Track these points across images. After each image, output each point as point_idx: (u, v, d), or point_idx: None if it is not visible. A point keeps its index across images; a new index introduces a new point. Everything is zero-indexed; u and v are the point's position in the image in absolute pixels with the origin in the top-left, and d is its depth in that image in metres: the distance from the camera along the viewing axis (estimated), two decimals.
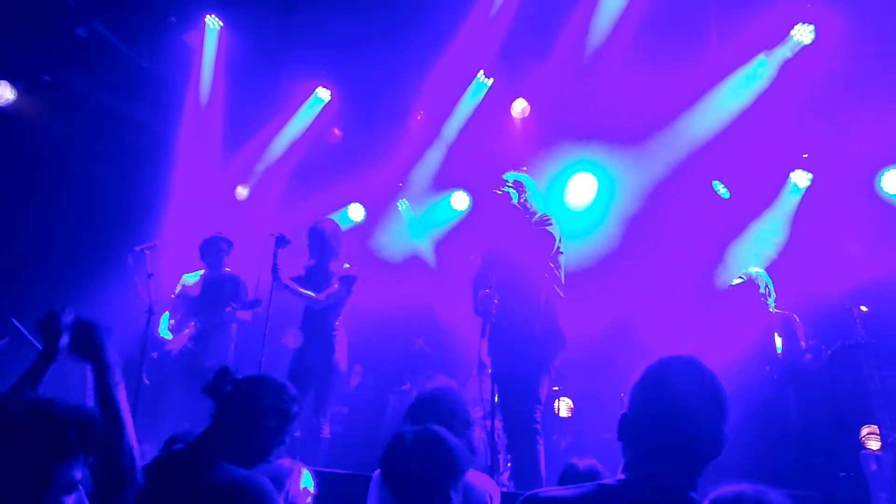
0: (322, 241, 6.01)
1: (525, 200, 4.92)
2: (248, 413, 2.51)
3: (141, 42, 7.63)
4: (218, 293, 6.37)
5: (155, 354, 6.26)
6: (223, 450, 2.43)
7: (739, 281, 5.93)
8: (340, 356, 5.85)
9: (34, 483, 1.71)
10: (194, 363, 6.10)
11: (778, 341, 5.70)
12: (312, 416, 5.79)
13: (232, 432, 2.48)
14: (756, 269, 6.01)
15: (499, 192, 4.83)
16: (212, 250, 6.53)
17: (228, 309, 6.14)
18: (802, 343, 5.71)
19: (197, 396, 2.63)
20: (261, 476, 2.42)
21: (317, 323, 5.86)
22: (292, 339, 5.82)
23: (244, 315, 6.28)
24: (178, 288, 6.61)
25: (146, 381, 5.79)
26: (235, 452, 2.45)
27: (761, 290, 5.80)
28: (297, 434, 5.59)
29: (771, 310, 5.81)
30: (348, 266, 5.98)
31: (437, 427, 2.50)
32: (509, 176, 5.06)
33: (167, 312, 6.58)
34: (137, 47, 7.63)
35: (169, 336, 6.39)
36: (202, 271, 6.59)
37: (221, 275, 6.53)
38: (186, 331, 6.38)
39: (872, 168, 6.88)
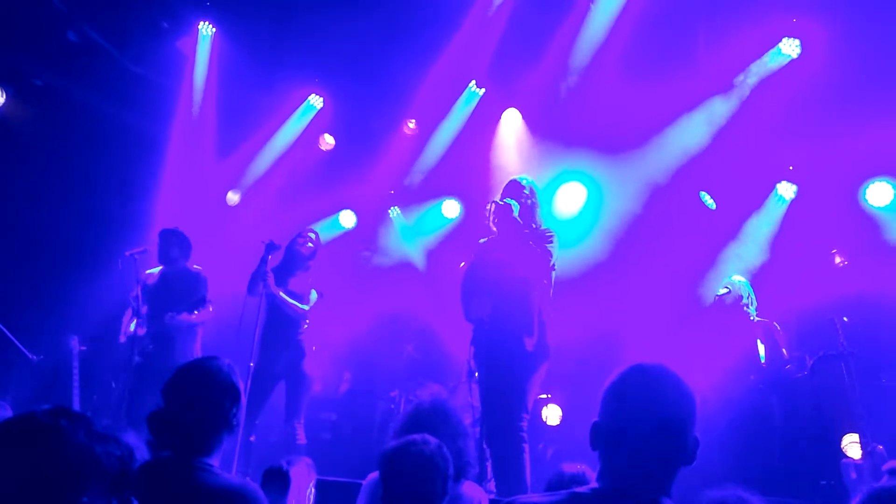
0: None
1: (533, 212, 4.92)
2: (198, 401, 2.44)
3: (133, 48, 7.59)
4: (174, 292, 6.07)
5: (137, 359, 5.97)
6: (196, 449, 2.39)
7: (724, 291, 6.03)
8: (309, 361, 5.90)
9: (90, 488, 1.76)
10: (158, 365, 5.77)
11: (761, 349, 5.80)
12: (286, 422, 5.81)
13: (190, 424, 2.41)
14: (739, 279, 6.11)
15: (501, 203, 4.82)
16: (161, 245, 6.20)
17: (168, 316, 5.89)
18: (784, 350, 5.84)
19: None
20: (254, 483, 2.44)
21: (283, 328, 5.89)
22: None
23: (191, 318, 6.00)
24: (140, 283, 6.25)
25: (113, 385, 5.70)
26: (205, 446, 2.41)
27: (744, 301, 5.91)
28: (252, 439, 5.59)
29: (752, 318, 5.92)
30: (316, 291, 6.06)
31: (435, 447, 2.59)
32: (524, 179, 5.05)
33: (129, 311, 6.26)
34: (129, 53, 7.59)
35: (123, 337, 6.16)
36: (161, 267, 6.29)
37: (180, 271, 6.20)
38: (133, 327, 6.04)
39: (857, 180, 6.98)
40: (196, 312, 6.02)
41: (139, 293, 6.04)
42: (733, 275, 6.27)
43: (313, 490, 3.40)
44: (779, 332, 5.88)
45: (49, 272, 7.46)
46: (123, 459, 1.86)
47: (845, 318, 5.40)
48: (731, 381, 5.67)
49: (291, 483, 3.34)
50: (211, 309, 6.12)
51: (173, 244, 6.18)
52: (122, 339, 6.23)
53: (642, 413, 1.78)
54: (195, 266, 6.28)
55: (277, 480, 3.33)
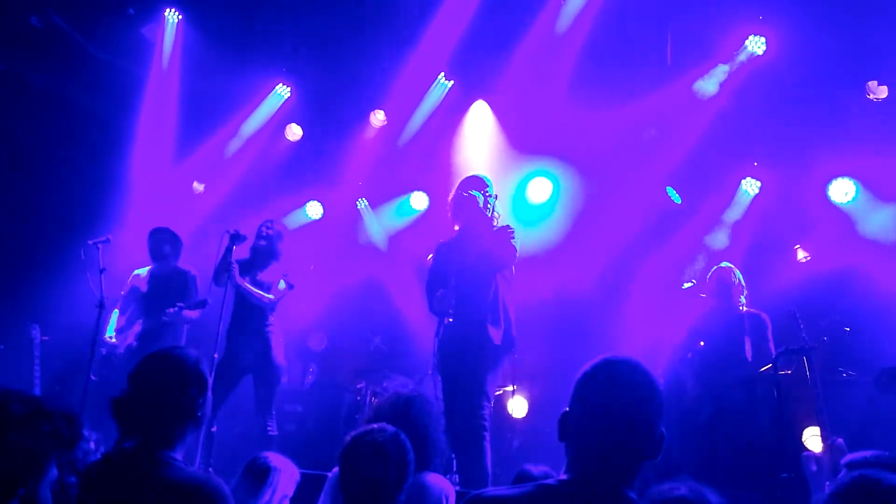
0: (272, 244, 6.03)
1: (492, 207, 4.95)
2: (164, 388, 2.41)
3: (98, 33, 7.46)
4: (165, 290, 6.20)
5: (104, 350, 6.08)
6: (160, 440, 2.35)
7: (710, 275, 5.97)
8: (277, 352, 5.84)
9: (33, 471, 1.80)
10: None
11: (747, 342, 5.71)
12: (257, 414, 5.76)
13: (155, 411, 2.38)
14: (727, 265, 6.02)
15: (466, 195, 4.84)
16: (152, 243, 6.34)
17: (172, 310, 5.93)
18: (771, 345, 5.68)
19: None
20: (217, 477, 2.40)
21: (249, 319, 5.84)
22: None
23: (190, 314, 6.11)
24: (128, 283, 6.41)
25: (92, 378, 5.64)
26: (169, 436, 2.37)
27: (735, 286, 5.82)
28: (213, 429, 5.53)
29: (741, 308, 5.85)
30: (285, 281, 5.97)
31: (390, 435, 2.58)
32: (483, 177, 5.07)
33: (116, 311, 6.36)
34: (94, 39, 7.46)
35: (113, 337, 6.18)
36: (150, 266, 6.42)
37: (169, 270, 6.35)
38: (133, 328, 6.18)
39: (821, 177, 7.09)
40: (196, 311, 6.12)
41: (127, 293, 6.20)
42: (722, 262, 6.13)
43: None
44: (768, 325, 5.73)
45: (10, 261, 7.30)
46: (57, 433, 1.81)
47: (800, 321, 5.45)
48: (714, 373, 5.65)
49: (278, 482, 3.28)
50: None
51: (165, 241, 6.34)
52: (111, 339, 6.18)
53: (610, 406, 1.80)
54: (185, 265, 6.38)
55: (258, 475, 3.27)
